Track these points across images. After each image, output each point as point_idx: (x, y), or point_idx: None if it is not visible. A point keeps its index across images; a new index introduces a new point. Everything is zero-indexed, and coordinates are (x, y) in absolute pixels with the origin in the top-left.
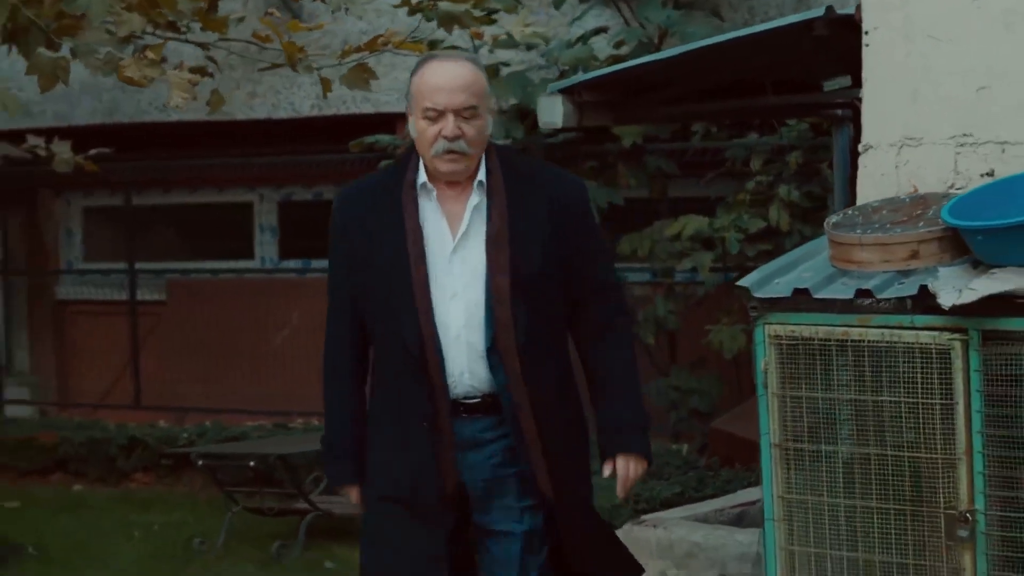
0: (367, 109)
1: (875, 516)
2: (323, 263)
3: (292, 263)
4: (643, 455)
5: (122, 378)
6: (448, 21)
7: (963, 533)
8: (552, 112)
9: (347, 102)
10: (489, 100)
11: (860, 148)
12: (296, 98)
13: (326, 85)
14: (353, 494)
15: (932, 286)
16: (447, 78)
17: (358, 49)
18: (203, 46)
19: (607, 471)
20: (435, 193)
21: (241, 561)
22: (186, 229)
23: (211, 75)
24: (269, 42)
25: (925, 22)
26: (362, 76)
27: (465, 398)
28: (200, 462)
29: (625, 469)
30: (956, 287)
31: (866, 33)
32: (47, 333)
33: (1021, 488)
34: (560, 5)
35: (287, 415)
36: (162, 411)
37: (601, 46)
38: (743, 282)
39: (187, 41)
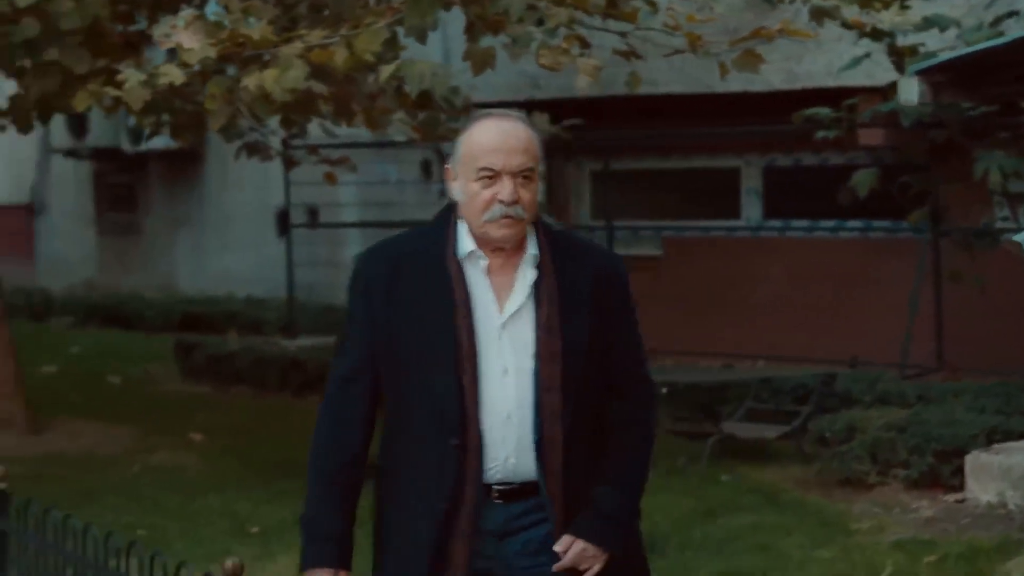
0: (828, 83)
1: None
2: (803, 223)
3: (774, 223)
4: (604, 548)
5: None
6: (819, 15)
7: None
8: (909, 92)
9: (813, 77)
10: (540, 164)
11: None
12: (769, 72)
13: (723, 68)
14: None
15: None
16: (505, 138)
17: (745, 38)
18: (622, 34)
19: (559, 547)
20: (485, 263)
21: None
22: (681, 191)
23: (640, 57)
24: (678, 30)
25: None
26: (750, 60)
27: (501, 483)
28: (664, 390)
29: (576, 554)
30: None
31: None
32: None
33: None
34: None
35: (756, 358)
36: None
37: (1012, 28)
38: (1017, 237)
39: (605, 30)
